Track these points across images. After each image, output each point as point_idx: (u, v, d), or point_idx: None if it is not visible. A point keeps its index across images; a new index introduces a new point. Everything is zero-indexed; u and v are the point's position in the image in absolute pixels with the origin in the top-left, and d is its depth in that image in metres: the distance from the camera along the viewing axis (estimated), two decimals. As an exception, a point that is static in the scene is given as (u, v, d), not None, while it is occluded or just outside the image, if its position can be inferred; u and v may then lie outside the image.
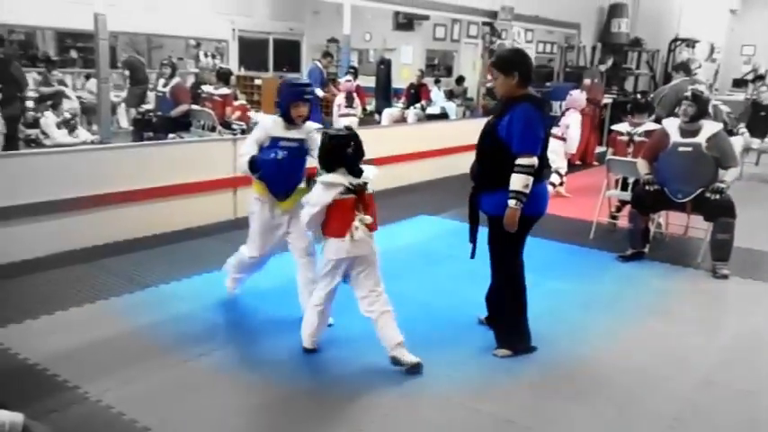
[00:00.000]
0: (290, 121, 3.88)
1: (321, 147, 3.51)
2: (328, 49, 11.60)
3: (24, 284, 4.46)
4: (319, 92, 10.11)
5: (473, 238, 3.81)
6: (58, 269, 4.72)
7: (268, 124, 3.93)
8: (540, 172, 3.56)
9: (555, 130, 7.61)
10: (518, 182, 3.43)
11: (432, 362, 3.53)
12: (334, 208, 3.43)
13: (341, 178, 3.42)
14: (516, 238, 3.61)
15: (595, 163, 10.34)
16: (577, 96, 8.28)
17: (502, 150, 3.49)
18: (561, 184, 7.88)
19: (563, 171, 7.83)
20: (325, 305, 3.61)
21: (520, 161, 3.42)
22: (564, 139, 7.77)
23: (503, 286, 3.77)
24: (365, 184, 3.46)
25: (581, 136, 10.09)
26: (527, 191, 3.44)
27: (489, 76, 3.54)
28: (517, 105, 3.51)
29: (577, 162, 10.14)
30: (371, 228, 3.48)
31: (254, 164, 3.78)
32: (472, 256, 3.78)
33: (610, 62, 11.23)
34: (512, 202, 3.44)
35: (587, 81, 10.55)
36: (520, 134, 3.45)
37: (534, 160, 3.45)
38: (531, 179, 3.43)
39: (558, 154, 7.66)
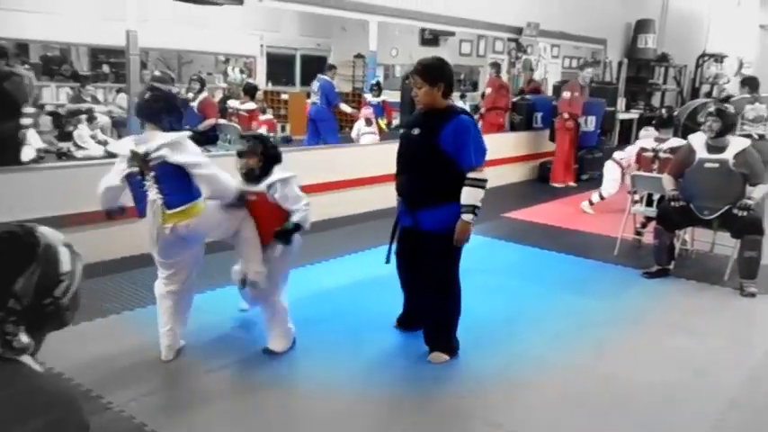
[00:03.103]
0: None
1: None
2: (354, 63, 11.66)
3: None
4: (346, 108, 10.07)
5: (397, 252, 3.83)
6: (85, 280, 4.79)
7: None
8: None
9: (617, 155, 7.39)
10: (474, 196, 3.40)
11: (451, 378, 3.53)
12: None
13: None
14: (460, 250, 3.59)
15: (572, 183, 9.75)
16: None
17: (445, 165, 3.42)
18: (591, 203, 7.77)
19: (605, 194, 7.55)
20: None
21: (473, 175, 3.39)
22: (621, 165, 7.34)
23: (448, 297, 3.69)
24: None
25: (561, 155, 9.64)
26: (481, 205, 3.44)
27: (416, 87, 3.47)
28: (454, 118, 3.44)
29: (558, 185, 9.70)
30: None
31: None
32: (387, 261, 3.82)
33: (589, 71, 10.00)
34: (468, 217, 3.41)
35: (566, 94, 9.39)
36: (472, 148, 3.40)
37: (487, 173, 3.43)
38: (483, 192, 3.42)
39: (615, 181, 7.40)
